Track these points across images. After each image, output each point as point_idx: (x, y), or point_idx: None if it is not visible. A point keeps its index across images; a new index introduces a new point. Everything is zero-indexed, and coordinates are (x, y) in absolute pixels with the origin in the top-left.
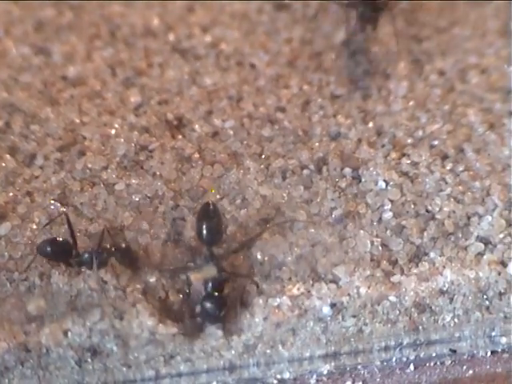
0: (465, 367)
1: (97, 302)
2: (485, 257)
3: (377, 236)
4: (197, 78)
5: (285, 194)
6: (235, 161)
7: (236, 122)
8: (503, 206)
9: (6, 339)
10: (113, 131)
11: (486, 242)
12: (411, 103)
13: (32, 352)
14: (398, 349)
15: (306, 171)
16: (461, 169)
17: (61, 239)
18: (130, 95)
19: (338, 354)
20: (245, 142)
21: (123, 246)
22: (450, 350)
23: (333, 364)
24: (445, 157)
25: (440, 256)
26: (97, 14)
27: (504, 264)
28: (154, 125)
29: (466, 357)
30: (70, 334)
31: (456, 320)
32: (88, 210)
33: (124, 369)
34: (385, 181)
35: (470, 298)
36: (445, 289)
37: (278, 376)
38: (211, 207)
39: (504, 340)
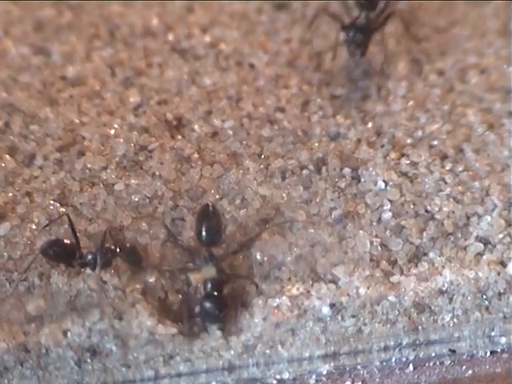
0: (464, 367)
1: (96, 302)
2: (484, 257)
3: (376, 236)
4: (196, 78)
5: (284, 195)
6: (235, 161)
7: (235, 122)
8: (502, 206)
9: (5, 339)
10: (112, 131)
11: (485, 242)
12: (410, 103)
13: (31, 352)
14: (397, 349)
15: (305, 171)
16: (460, 169)
17: (65, 240)
18: (129, 95)
19: (337, 354)
20: (244, 142)
21: (128, 246)
22: (450, 350)
23: (332, 364)
24: (444, 157)
25: (439, 256)
26: (96, 14)
27: (503, 264)
28: (153, 125)
29: (465, 357)
30: (69, 334)
31: (455, 320)
32: (87, 210)
33: (123, 369)
34: (384, 181)
35: (469, 298)
36: (444, 289)
37: (278, 376)
38: (210, 208)
39: (503, 340)
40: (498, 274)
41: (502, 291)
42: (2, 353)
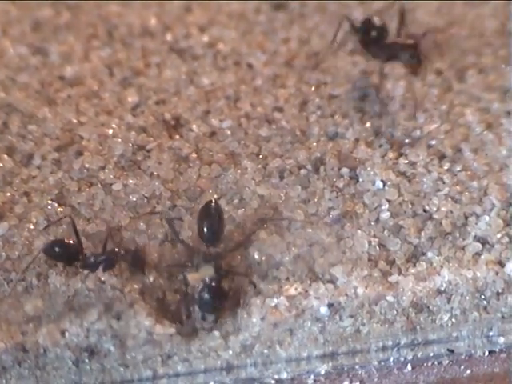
0: (462, 367)
1: (94, 302)
2: (482, 257)
3: (374, 236)
4: (194, 77)
5: (282, 194)
6: (233, 161)
7: (233, 122)
8: (501, 205)
9: (3, 339)
10: (110, 131)
11: (483, 241)
12: (409, 103)
13: (29, 352)
14: (395, 349)
15: (303, 171)
16: (458, 168)
17: (68, 241)
18: (127, 95)
19: (335, 354)
20: (242, 142)
21: (132, 249)
22: (448, 349)
23: (330, 364)
24: (442, 156)
25: (437, 256)
26: (94, 13)
27: (501, 264)
28: (151, 125)
29: (463, 357)
30: (67, 334)
31: (454, 320)
32: (85, 210)
33: (121, 369)
34: (382, 181)
35: (467, 297)
36: (442, 289)
37: (276, 376)
38: (213, 205)
39: (502, 340)
40: (496, 273)
41: (500, 291)
42: (0, 353)
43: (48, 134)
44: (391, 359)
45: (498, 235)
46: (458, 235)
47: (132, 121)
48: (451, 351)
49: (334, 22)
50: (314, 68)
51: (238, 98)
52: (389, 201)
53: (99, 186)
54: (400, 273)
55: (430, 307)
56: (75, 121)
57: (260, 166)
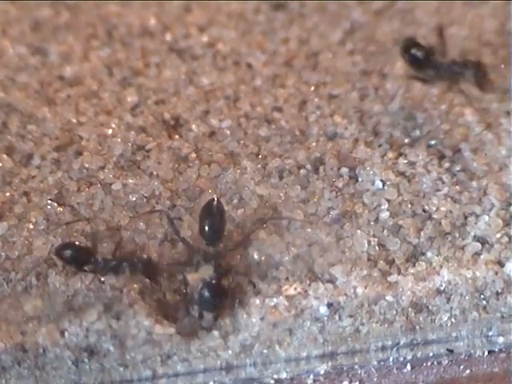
0: (462, 367)
1: (94, 302)
2: (482, 256)
3: (374, 236)
4: (194, 77)
5: (282, 194)
6: (232, 160)
7: (233, 122)
8: (500, 205)
9: (2, 339)
10: (110, 131)
11: (483, 241)
12: (408, 103)
13: (29, 352)
14: (394, 349)
15: (302, 171)
16: (458, 168)
17: (81, 244)
18: (126, 95)
19: (334, 353)
20: (242, 142)
21: (145, 257)
22: (447, 349)
23: (330, 364)
24: (442, 156)
25: (437, 256)
26: (93, 13)
27: (501, 264)
28: (150, 125)
29: (463, 356)
30: (66, 334)
31: (453, 320)
32: (85, 210)
33: (121, 369)
34: (382, 180)
35: (467, 297)
36: (442, 288)
37: (275, 376)
38: (215, 203)
39: (501, 340)
40: (496, 273)
41: (499, 291)
42: None
43: (47, 134)
44: (390, 359)
45: (498, 235)
46: (457, 235)
47: (131, 121)
48: (451, 351)
49: (333, 22)
50: (313, 68)
51: (237, 98)
52: (388, 200)
53: (99, 185)
54: (399, 273)
55: (430, 307)
56: (75, 121)
57: (259, 165)
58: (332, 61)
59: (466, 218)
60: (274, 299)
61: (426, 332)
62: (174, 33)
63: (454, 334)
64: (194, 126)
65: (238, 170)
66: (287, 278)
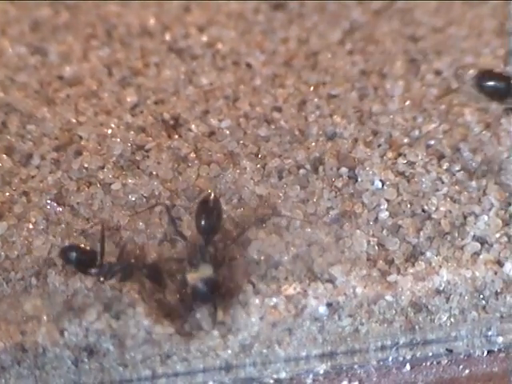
0: (461, 367)
1: (93, 302)
2: (481, 256)
3: (373, 235)
4: (193, 77)
5: (281, 194)
6: (231, 160)
7: (232, 122)
8: (499, 205)
9: (2, 339)
10: (109, 131)
11: (482, 241)
12: (407, 103)
13: (28, 352)
14: (394, 348)
15: (302, 171)
16: (457, 168)
17: (87, 247)
18: (126, 95)
19: (334, 353)
20: (241, 142)
21: (151, 263)
22: (447, 349)
23: (329, 363)
24: (441, 156)
25: (436, 255)
26: (93, 13)
27: (500, 263)
28: (150, 124)
29: (462, 356)
30: (66, 333)
31: (452, 319)
32: (84, 210)
33: (120, 368)
34: (381, 180)
35: (466, 297)
36: (441, 288)
37: (275, 376)
38: (212, 198)
39: (500, 339)
40: (495, 273)
41: (498, 291)
42: None
43: (47, 134)
44: (390, 359)
45: (497, 235)
46: (456, 235)
47: (131, 120)
48: (450, 351)
49: (332, 21)
50: (312, 67)
51: (236, 98)
52: (387, 200)
53: (98, 185)
54: (399, 272)
55: (429, 307)
56: (74, 120)
57: (259, 165)
58: (331, 61)
59: (465, 217)
60: (274, 299)
61: (425, 332)
62: (174, 33)
63: (453, 334)
64: (193, 126)
65: (238, 170)
66: (286, 278)
